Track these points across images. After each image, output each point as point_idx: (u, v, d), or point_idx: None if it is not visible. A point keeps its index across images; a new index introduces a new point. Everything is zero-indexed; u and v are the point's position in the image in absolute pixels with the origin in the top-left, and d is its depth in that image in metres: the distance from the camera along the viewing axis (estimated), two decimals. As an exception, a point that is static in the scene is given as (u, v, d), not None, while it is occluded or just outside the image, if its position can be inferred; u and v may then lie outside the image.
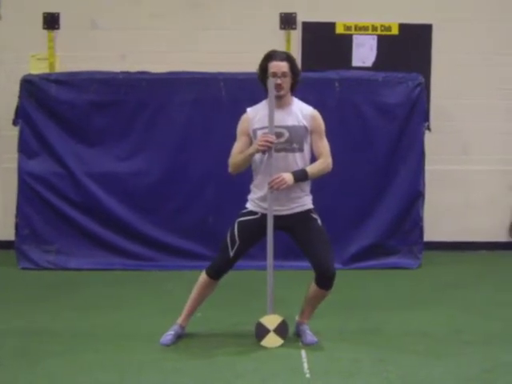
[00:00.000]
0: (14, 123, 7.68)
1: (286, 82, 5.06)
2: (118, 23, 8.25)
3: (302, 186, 5.13)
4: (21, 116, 7.64)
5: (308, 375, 4.61)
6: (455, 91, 8.41)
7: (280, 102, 5.09)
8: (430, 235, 8.09)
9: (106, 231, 7.73)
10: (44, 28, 8.23)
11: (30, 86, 7.63)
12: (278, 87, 5.02)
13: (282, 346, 5.13)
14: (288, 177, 4.99)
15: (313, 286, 5.22)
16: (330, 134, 7.57)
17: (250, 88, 7.54)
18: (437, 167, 8.25)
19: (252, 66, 7.77)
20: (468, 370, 4.70)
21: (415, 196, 7.77)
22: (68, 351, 5.06)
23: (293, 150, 5.07)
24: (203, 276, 5.22)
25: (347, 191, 7.72)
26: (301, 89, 7.53)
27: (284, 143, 5.05)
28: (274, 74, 5.03)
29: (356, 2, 8.33)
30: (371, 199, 7.75)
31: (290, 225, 5.14)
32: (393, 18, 8.28)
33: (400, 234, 7.80)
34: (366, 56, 8.29)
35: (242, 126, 5.19)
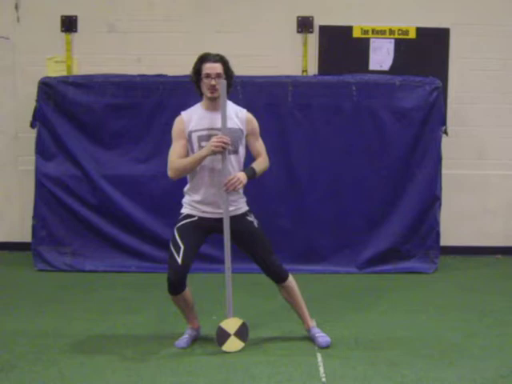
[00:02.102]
0: (32, 125, 7.72)
1: (220, 84, 4.99)
2: (133, 26, 8.27)
3: None
4: (38, 118, 7.68)
5: (324, 379, 4.60)
6: (472, 95, 8.38)
7: (215, 104, 5.07)
8: (446, 240, 8.06)
9: (122, 233, 7.76)
10: (62, 31, 8.26)
11: (48, 89, 7.67)
12: (212, 88, 5.00)
13: (297, 350, 5.14)
14: (242, 176, 5.01)
15: (280, 288, 5.28)
16: (347, 138, 7.66)
17: (268, 91, 7.62)
18: (453, 171, 8.22)
19: (269, 70, 7.87)
20: (484, 374, 4.68)
21: (432, 200, 7.74)
22: (83, 353, 5.08)
23: (227, 152, 5.02)
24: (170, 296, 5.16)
25: (363, 195, 7.71)
26: (318, 92, 7.63)
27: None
28: (208, 76, 5.01)
29: (373, 5, 8.31)
30: (387, 203, 7.73)
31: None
32: (410, 22, 8.26)
33: (416, 239, 7.78)
34: (383, 60, 8.28)
35: (177, 128, 5.14)
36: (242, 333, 5.14)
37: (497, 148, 8.47)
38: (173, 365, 4.85)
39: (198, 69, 5.08)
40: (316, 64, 8.31)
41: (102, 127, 7.72)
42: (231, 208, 5.09)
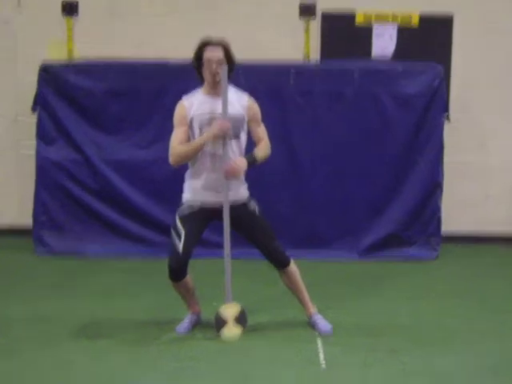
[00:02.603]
0: (33, 110, 7.71)
1: (222, 69, 4.95)
2: (135, 11, 8.23)
3: None
4: (39, 103, 7.67)
5: (324, 365, 4.61)
6: (475, 82, 8.35)
7: (216, 90, 5.03)
8: (447, 227, 8.05)
9: (123, 218, 7.76)
10: (63, 15, 8.22)
11: (49, 74, 7.65)
12: (214, 74, 4.97)
13: (298, 335, 5.14)
14: (243, 162, 4.99)
15: (281, 274, 5.28)
16: (349, 124, 7.65)
17: (270, 77, 7.60)
18: (455, 158, 8.19)
19: (272, 55, 7.85)
20: (484, 361, 4.69)
21: (434, 187, 7.73)
22: (83, 337, 5.09)
23: (229, 138, 5.00)
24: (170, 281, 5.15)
25: (365, 181, 7.70)
26: (320, 79, 7.61)
27: None
28: (209, 61, 4.97)
29: (376, -8, 8.28)
30: (389, 190, 7.72)
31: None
32: (413, 8, 8.21)
33: (418, 225, 7.77)
34: (386, 46, 8.24)
35: (179, 114, 5.10)
36: (240, 319, 5.12)
37: (499, 135, 8.44)
38: (174, 350, 4.85)
39: (199, 54, 5.05)
40: (318, 50, 8.27)
41: (103, 112, 7.71)
42: (232, 194, 5.07)
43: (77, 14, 8.24)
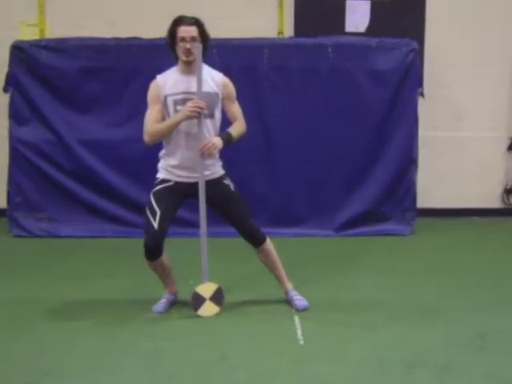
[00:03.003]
0: (5, 90, 7.62)
1: (195, 47, 4.94)
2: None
3: None
4: (11, 83, 7.58)
5: (301, 342, 4.63)
6: (449, 58, 8.37)
7: (190, 68, 5.01)
8: (422, 202, 8.09)
9: (99, 198, 7.72)
10: (34, -6, 8.15)
11: (20, 53, 7.56)
12: (187, 52, 4.95)
13: (275, 313, 5.16)
14: (217, 140, 4.98)
15: (257, 251, 5.29)
16: (323, 100, 7.64)
17: (244, 54, 7.56)
18: (430, 133, 8.22)
19: (245, 32, 7.80)
20: (461, 335, 4.72)
21: (408, 162, 7.74)
22: (59, 319, 5.08)
23: (203, 116, 4.98)
24: (146, 260, 5.14)
25: (340, 158, 7.69)
26: (294, 55, 7.58)
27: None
28: (183, 39, 4.94)
29: (349, -34, 8.25)
30: (364, 166, 7.73)
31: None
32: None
33: (393, 201, 7.80)
34: (360, 22, 8.22)
35: (153, 93, 5.08)
36: (217, 297, 5.14)
37: (473, 110, 8.48)
38: (150, 329, 4.85)
39: (172, 32, 5.01)
40: (292, 26, 8.25)
41: (75, 91, 7.63)
42: (207, 172, 5.07)
43: (48, -7, 8.17)
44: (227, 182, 5.19)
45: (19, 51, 7.56)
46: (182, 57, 4.99)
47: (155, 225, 4.95)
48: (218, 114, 5.14)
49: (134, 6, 8.13)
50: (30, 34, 8.03)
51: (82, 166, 7.65)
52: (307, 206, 7.75)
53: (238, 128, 5.18)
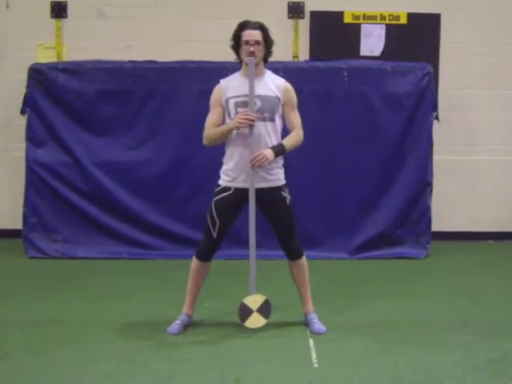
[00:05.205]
0: (22, 112, 7.69)
1: (259, 51, 5.04)
2: (124, 12, 8.21)
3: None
4: (29, 105, 7.64)
5: (316, 365, 4.61)
6: (463, 81, 8.38)
7: (255, 71, 5.07)
8: (437, 225, 8.08)
9: (114, 220, 7.73)
10: (52, 17, 8.21)
11: (38, 75, 7.63)
12: (251, 55, 5.02)
13: (289, 335, 5.15)
14: (269, 153, 5.01)
15: (291, 265, 5.34)
16: (338, 124, 7.65)
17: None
18: (444, 157, 8.23)
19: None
20: (476, 359, 4.70)
21: (423, 186, 7.74)
22: (74, 341, 5.06)
23: (264, 119, 5.05)
24: (194, 260, 5.24)
25: (355, 181, 7.70)
26: (309, 78, 7.60)
27: (255, 112, 5.03)
28: (247, 42, 5.03)
29: (364, -9, 8.30)
30: (379, 189, 7.73)
31: (259, 199, 5.12)
32: (401, 7, 8.24)
33: (408, 224, 7.79)
34: (375, 45, 8.26)
35: (215, 96, 5.20)
36: (264, 309, 5.16)
37: (487, 133, 8.49)
38: (165, 351, 4.84)
39: (237, 36, 5.11)
40: (307, 50, 8.29)
41: (92, 114, 7.68)
42: (270, 177, 5.12)
43: (66, 15, 8.22)
44: (285, 194, 5.20)
45: (37, 74, 7.63)
46: (246, 60, 5.06)
47: (214, 234, 5.10)
48: (278, 120, 5.18)
49: (150, 30, 8.18)
50: (47, 57, 8.09)
51: (97, 188, 7.67)
52: (322, 229, 7.74)
53: (292, 139, 5.22)
